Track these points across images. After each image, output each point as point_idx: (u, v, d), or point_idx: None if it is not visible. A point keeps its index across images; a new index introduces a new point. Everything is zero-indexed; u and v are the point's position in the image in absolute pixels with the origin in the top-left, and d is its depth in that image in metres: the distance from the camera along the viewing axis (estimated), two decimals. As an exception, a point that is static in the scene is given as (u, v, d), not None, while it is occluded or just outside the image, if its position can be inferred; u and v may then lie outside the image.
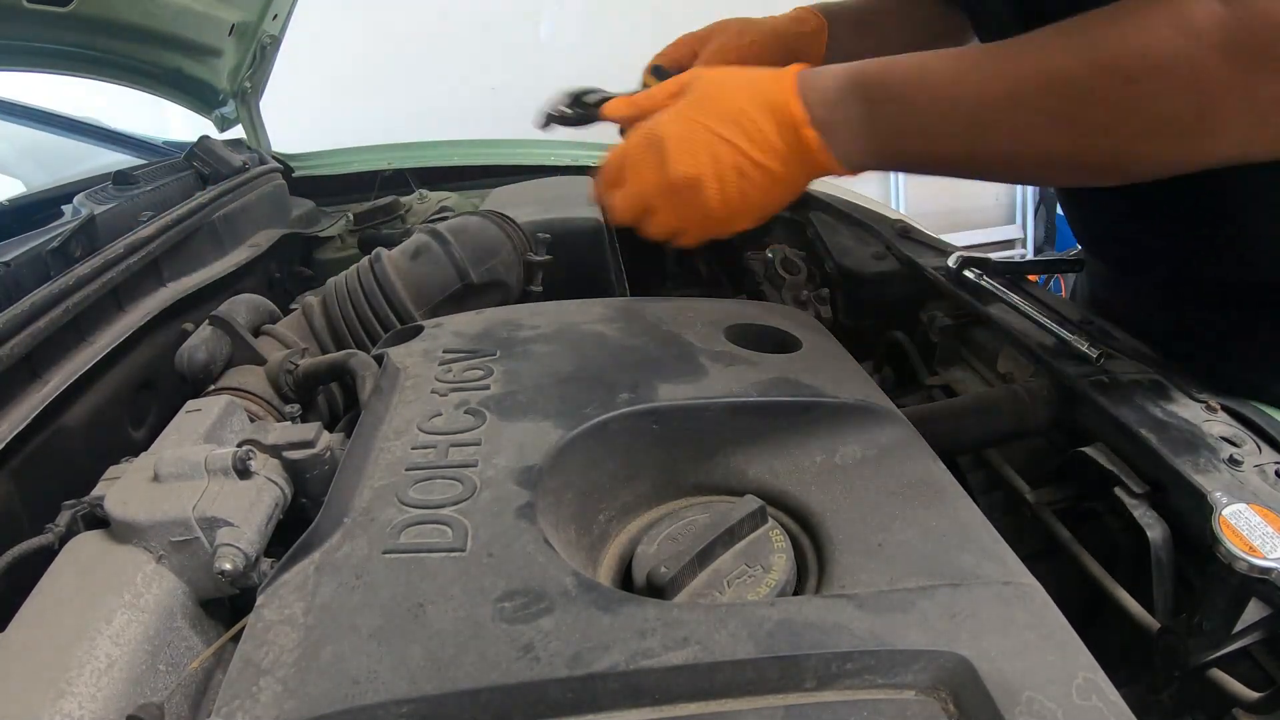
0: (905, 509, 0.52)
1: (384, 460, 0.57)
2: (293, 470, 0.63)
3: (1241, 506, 0.54)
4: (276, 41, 1.60)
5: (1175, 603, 0.61)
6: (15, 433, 0.69)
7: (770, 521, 0.52)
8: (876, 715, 0.38)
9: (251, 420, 0.76)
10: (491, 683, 0.38)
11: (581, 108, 0.84)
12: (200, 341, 0.85)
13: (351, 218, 1.49)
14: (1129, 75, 0.51)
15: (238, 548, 0.55)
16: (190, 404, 0.73)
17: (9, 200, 1.41)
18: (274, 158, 1.60)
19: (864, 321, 1.14)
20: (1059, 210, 3.92)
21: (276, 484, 0.62)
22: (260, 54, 1.59)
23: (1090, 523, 0.70)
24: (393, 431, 0.60)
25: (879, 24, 0.97)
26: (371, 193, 1.66)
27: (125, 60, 1.40)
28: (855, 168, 0.64)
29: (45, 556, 0.57)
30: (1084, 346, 0.77)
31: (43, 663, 0.47)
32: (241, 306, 0.92)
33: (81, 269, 0.85)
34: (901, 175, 4.66)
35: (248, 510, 0.57)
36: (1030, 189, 4.22)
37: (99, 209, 1.00)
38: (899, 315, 1.08)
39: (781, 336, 0.74)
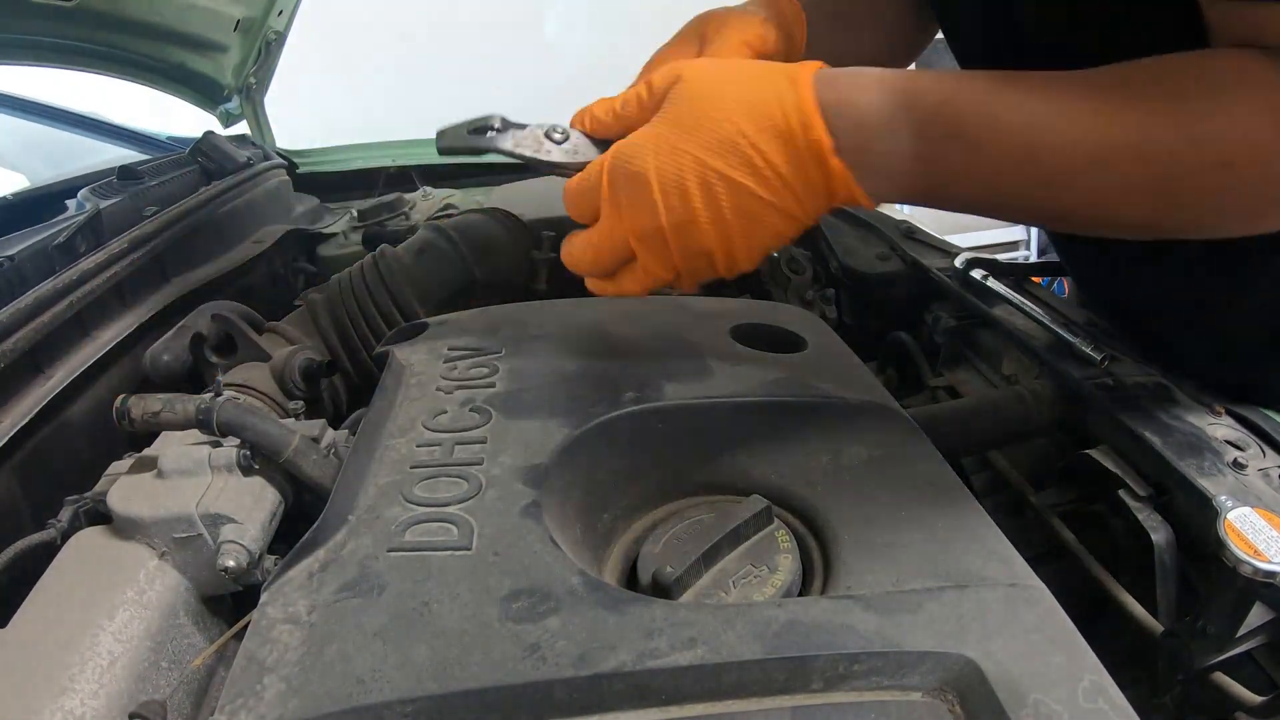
0: (911, 510, 0.52)
1: (389, 458, 0.57)
2: (297, 467, 0.63)
3: (1246, 510, 0.54)
4: (281, 37, 1.60)
5: (1179, 606, 0.61)
6: (18, 427, 0.69)
7: (776, 521, 0.52)
8: (883, 716, 0.38)
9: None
10: (497, 682, 0.38)
11: (480, 134, 0.65)
12: (164, 346, 0.83)
13: (355, 214, 1.49)
14: (1227, 160, 0.48)
15: (241, 544, 0.55)
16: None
17: (13, 195, 1.41)
18: (278, 154, 1.60)
19: (868, 322, 1.14)
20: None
21: (280, 481, 0.61)
22: (265, 50, 1.59)
23: (1094, 525, 0.70)
24: (398, 429, 0.60)
25: (855, 22, 0.84)
26: (375, 189, 1.66)
27: (130, 55, 1.40)
28: (882, 200, 0.55)
29: (47, 552, 0.57)
30: (1088, 349, 0.77)
31: (45, 659, 0.47)
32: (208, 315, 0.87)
33: (85, 264, 0.85)
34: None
35: (251, 507, 0.57)
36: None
37: (104, 204, 1.00)
38: (903, 316, 1.08)
39: (787, 336, 0.73)
